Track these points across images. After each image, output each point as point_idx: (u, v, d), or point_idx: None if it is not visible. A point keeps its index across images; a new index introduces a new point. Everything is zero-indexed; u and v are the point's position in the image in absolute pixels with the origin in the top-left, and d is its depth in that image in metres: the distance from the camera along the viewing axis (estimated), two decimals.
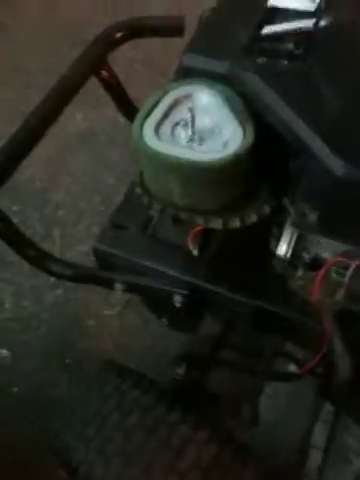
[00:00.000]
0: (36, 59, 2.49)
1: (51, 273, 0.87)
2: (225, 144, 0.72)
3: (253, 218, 0.78)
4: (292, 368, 1.05)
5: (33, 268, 0.85)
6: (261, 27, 0.80)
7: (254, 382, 1.11)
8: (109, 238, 0.98)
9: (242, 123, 0.73)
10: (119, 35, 0.91)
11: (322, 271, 0.77)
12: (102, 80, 0.93)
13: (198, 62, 0.78)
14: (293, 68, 0.76)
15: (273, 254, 0.83)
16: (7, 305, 1.81)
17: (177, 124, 0.76)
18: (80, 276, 0.91)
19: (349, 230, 0.76)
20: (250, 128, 0.72)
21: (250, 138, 0.72)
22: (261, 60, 0.77)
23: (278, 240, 0.81)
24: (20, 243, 0.81)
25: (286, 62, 0.76)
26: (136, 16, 0.95)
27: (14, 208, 1.98)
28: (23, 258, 0.82)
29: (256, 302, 0.88)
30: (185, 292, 0.90)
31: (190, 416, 0.92)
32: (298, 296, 0.85)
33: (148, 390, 0.96)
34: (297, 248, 0.81)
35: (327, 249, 0.79)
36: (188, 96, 0.77)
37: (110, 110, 1.03)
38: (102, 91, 0.96)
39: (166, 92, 0.78)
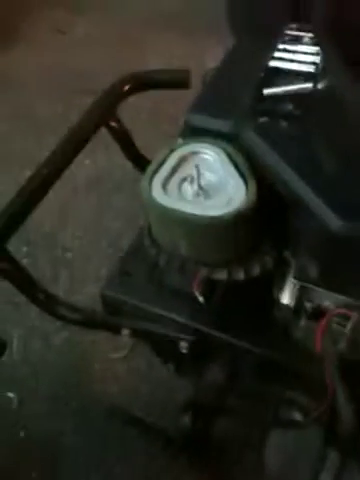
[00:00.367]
0: (45, 107, 2.57)
1: (58, 317, 0.86)
2: (229, 200, 0.74)
3: (257, 270, 0.80)
4: (297, 416, 1.04)
5: (40, 310, 0.84)
6: (262, 88, 0.85)
7: (259, 429, 1.10)
8: (116, 284, 1.00)
9: (245, 180, 0.75)
10: (127, 88, 0.93)
11: (323, 322, 0.79)
12: (111, 130, 0.96)
13: (203, 121, 0.82)
14: (292, 128, 0.80)
15: (277, 303, 0.85)
16: (14, 347, 1.82)
17: (184, 180, 0.78)
18: (87, 321, 0.92)
19: (347, 283, 0.77)
20: (253, 185, 0.75)
21: (252, 195, 0.74)
22: (262, 120, 0.80)
23: (281, 290, 0.84)
24: (28, 287, 0.81)
25: (285, 123, 0.80)
26: (143, 70, 0.98)
27: (24, 249, 2.02)
28: (31, 301, 0.82)
29: (260, 350, 0.90)
30: (191, 338, 0.92)
31: (195, 465, 0.92)
32: (302, 345, 0.87)
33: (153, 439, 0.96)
34: (299, 298, 0.83)
35: (329, 299, 0.81)
36: (194, 153, 0.80)
37: (118, 157, 1.06)
38: (110, 138, 0.98)
39: (173, 150, 0.81)
